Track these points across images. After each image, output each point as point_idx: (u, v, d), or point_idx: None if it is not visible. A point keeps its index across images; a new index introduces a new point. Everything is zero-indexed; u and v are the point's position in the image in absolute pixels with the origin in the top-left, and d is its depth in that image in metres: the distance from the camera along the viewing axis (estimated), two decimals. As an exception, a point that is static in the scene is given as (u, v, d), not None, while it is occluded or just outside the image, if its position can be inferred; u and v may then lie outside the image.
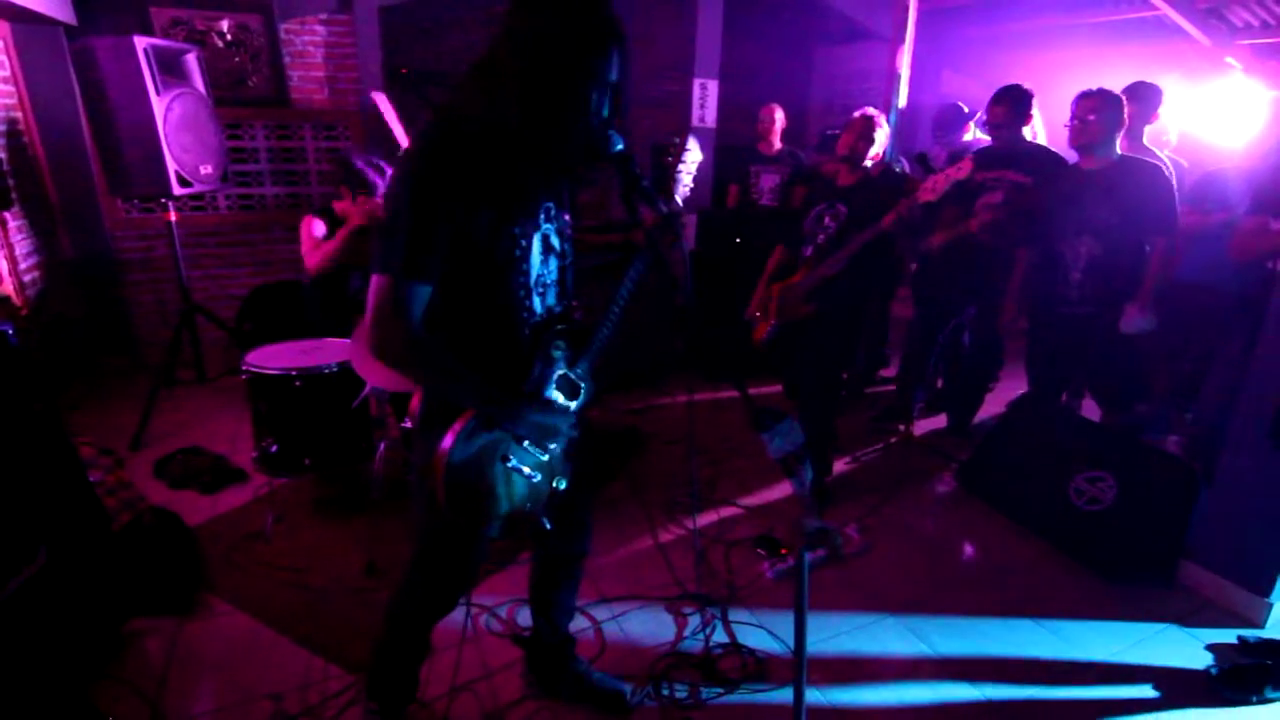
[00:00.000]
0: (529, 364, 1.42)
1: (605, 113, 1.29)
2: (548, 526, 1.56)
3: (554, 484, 1.55)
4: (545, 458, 1.49)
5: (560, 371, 1.49)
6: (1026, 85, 3.18)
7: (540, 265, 1.41)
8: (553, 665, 1.96)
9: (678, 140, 1.65)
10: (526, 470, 1.45)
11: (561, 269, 1.48)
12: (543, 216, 1.40)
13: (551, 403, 1.48)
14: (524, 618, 2.26)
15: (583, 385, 1.55)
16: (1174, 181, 2.76)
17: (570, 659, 1.97)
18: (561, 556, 1.84)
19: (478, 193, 1.25)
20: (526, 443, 1.44)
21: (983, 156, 3.27)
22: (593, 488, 1.84)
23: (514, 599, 2.34)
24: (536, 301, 1.42)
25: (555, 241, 1.45)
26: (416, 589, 1.65)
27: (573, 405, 1.53)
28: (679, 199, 1.64)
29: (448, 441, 1.32)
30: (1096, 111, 2.71)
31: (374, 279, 1.25)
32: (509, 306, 1.38)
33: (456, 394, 1.36)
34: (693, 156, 1.64)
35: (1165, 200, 2.70)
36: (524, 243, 1.36)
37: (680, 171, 1.64)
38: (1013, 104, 3.14)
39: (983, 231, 3.18)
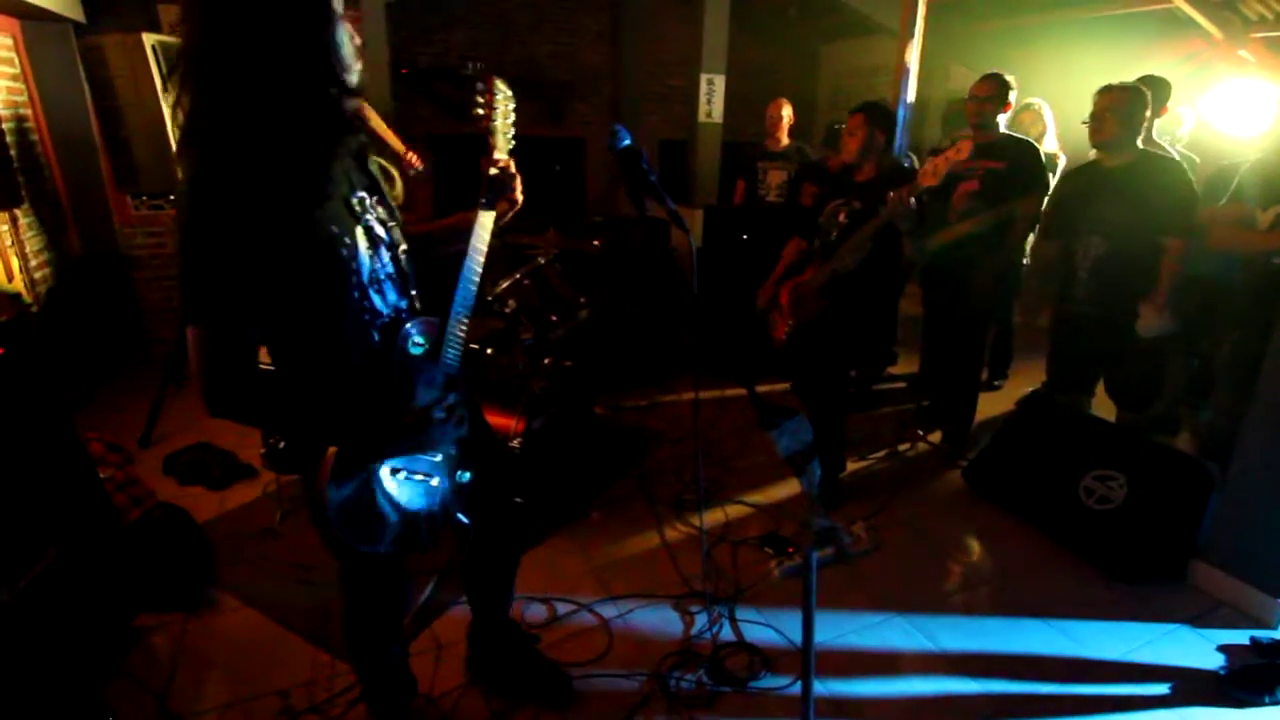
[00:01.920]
0: (388, 367, 1.33)
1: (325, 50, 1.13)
2: (465, 522, 1.51)
3: (457, 479, 1.49)
4: (438, 457, 1.43)
5: (425, 366, 1.39)
6: (1010, 77, 3.25)
7: (370, 261, 1.28)
8: (497, 651, 1.96)
9: (480, 85, 1.42)
10: (420, 475, 1.39)
11: (395, 259, 1.36)
12: (358, 208, 1.28)
13: (415, 407, 1.37)
14: (530, 612, 2.27)
15: (456, 375, 1.44)
16: (1194, 180, 2.70)
17: (515, 644, 1.98)
18: (491, 547, 1.78)
19: (272, 204, 1.11)
20: (410, 450, 1.37)
21: None
22: (505, 472, 1.76)
23: (520, 596, 2.33)
24: (377, 300, 1.30)
25: (380, 231, 1.32)
26: (354, 619, 1.63)
27: (448, 398, 1.44)
28: (502, 155, 1.46)
29: (324, 476, 1.24)
30: (1115, 107, 2.65)
31: (189, 333, 1.10)
32: (349, 312, 1.26)
33: (315, 428, 1.28)
34: (504, 100, 1.44)
35: (1184, 198, 2.63)
36: (347, 240, 1.23)
37: (494, 121, 1.44)
38: (997, 85, 3.21)
39: (961, 218, 3.26)
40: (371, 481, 1.32)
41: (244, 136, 1.10)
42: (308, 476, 1.29)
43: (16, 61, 3.71)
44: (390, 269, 1.34)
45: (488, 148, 1.46)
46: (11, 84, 3.65)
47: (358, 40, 1.20)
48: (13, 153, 3.49)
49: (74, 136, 3.99)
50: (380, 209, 1.35)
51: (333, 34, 1.14)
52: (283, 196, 1.13)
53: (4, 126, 3.44)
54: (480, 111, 1.45)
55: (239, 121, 1.10)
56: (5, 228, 3.38)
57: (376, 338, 1.31)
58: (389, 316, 1.33)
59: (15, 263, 3.43)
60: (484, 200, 1.46)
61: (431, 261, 1.51)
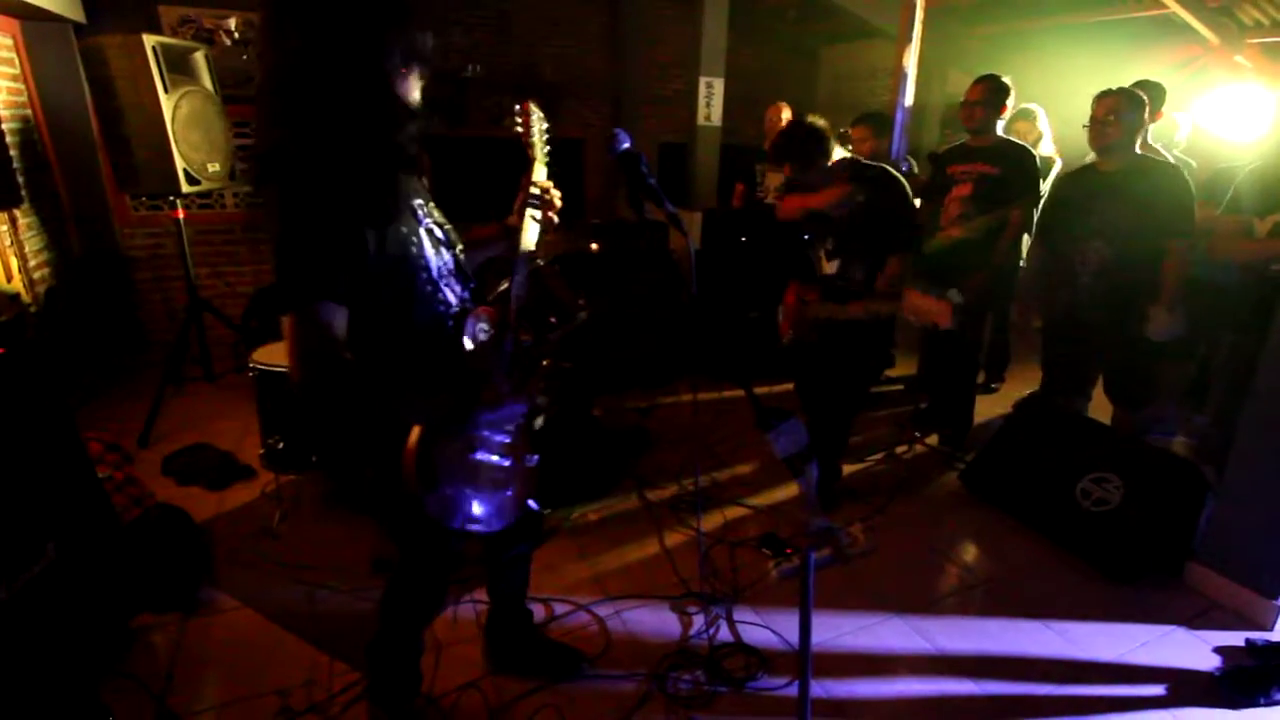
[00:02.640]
0: (461, 351, 1.42)
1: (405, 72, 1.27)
2: (535, 508, 1.58)
3: (526, 462, 1.55)
4: (509, 439, 1.50)
5: (492, 351, 1.48)
6: (1007, 79, 3.22)
7: (436, 258, 1.42)
8: (510, 633, 2.05)
9: (518, 107, 1.59)
10: (494, 459, 1.47)
11: (455, 257, 1.50)
12: (420, 213, 1.41)
13: (494, 387, 1.45)
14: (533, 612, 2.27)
15: (514, 358, 1.53)
16: (1191, 183, 2.71)
17: (526, 626, 2.08)
18: (517, 540, 1.86)
19: (357, 206, 1.23)
20: (486, 431, 1.45)
21: (953, 152, 3.42)
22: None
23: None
24: (448, 293, 1.43)
25: (440, 234, 1.46)
26: (406, 591, 1.68)
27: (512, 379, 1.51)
28: (541, 173, 1.60)
29: (412, 453, 1.31)
30: (1115, 112, 2.65)
31: (287, 322, 1.22)
32: (426, 303, 1.38)
33: (403, 409, 1.35)
34: (538, 120, 1.61)
35: (1182, 201, 2.63)
36: (415, 239, 1.37)
37: (532, 138, 1.60)
38: (991, 88, 3.19)
39: (951, 224, 3.27)
40: (455, 458, 1.39)
41: (329, 157, 1.22)
42: (384, 461, 1.35)
43: (17, 62, 3.72)
44: (452, 265, 1.48)
45: (527, 163, 1.61)
46: (11, 84, 3.65)
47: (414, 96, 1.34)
48: (13, 153, 3.49)
49: (74, 137, 4.00)
50: (436, 213, 1.49)
51: (394, 86, 1.26)
52: (369, 200, 1.25)
53: (4, 127, 3.44)
54: (519, 130, 1.60)
55: (323, 145, 1.22)
56: (5, 228, 3.39)
57: (450, 325, 1.42)
58: (458, 307, 1.45)
59: (15, 263, 3.44)
60: (534, 215, 1.59)
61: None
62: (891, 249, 2.66)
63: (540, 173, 1.61)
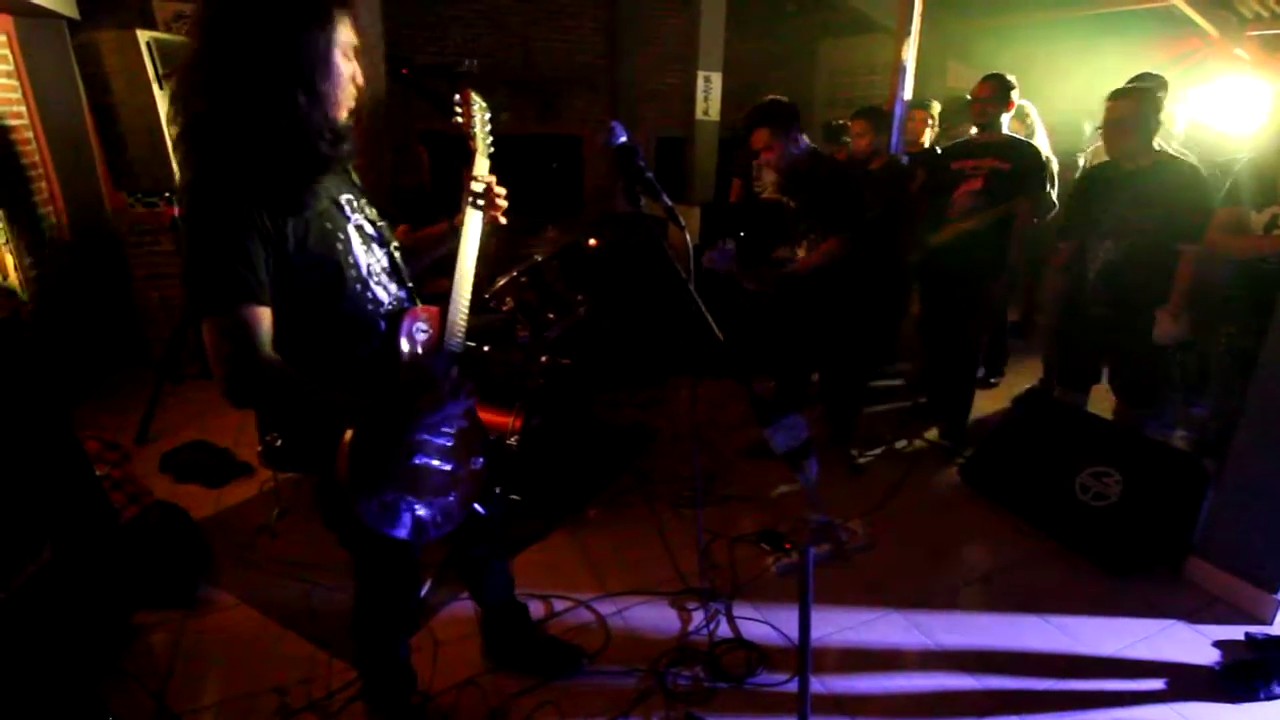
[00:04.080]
0: (396, 352, 1.37)
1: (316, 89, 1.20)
2: (483, 512, 1.54)
3: (471, 465, 1.50)
4: (450, 443, 1.46)
5: (431, 351, 1.42)
6: (1011, 77, 3.24)
7: (366, 255, 1.35)
8: (506, 631, 2.04)
9: (457, 96, 1.52)
10: (435, 463, 1.42)
11: (389, 255, 1.44)
12: (348, 209, 1.35)
13: (432, 384, 1.37)
14: (533, 609, 2.27)
15: (458, 357, 1.46)
16: (1208, 182, 2.65)
17: (523, 623, 2.07)
18: (484, 539, 1.84)
19: (271, 202, 1.17)
20: (424, 434, 1.40)
21: (958, 147, 3.43)
22: (497, 467, 1.79)
23: (518, 592, 2.33)
24: (379, 291, 1.37)
25: (371, 230, 1.40)
26: (366, 612, 1.67)
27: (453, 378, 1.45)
28: (483, 167, 1.53)
29: (344, 458, 1.27)
30: (1127, 114, 2.61)
31: (204, 326, 1.15)
32: (354, 301, 1.32)
33: (334, 414, 1.29)
34: (480, 110, 1.53)
35: (1198, 204, 2.57)
36: (341, 235, 1.31)
37: (473, 128, 1.53)
38: (998, 86, 3.21)
39: (963, 216, 3.28)
40: (391, 463, 1.35)
41: (237, 145, 1.16)
42: (322, 467, 1.32)
43: (10, 59, 3.69)
44: (386, 263, 1.42)
45: (469, 155, 1.54)
46: (5, 81, 3.63)
47: (359, 81, 1.29)
48: (7, 150, 3.47)
49: (68, 134, 3.97)
50: (369, 209, 1.42)
51: (322, 79, 1.20)
52: (285, 194, 1.19)
53: (-2, 123, 3.42)
54: (459, 120, 1.53)
55: (233, 132, 1.16)
56: (0, 225, 3.37)
57: (383, 326, 1.36)
58: (391, 306, 1.39)
59: (10, 260, 3.42)
60: (471, 202, 1.51)
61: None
62: (832, 231, 2.93)
63: (482, 166, 1.54)
